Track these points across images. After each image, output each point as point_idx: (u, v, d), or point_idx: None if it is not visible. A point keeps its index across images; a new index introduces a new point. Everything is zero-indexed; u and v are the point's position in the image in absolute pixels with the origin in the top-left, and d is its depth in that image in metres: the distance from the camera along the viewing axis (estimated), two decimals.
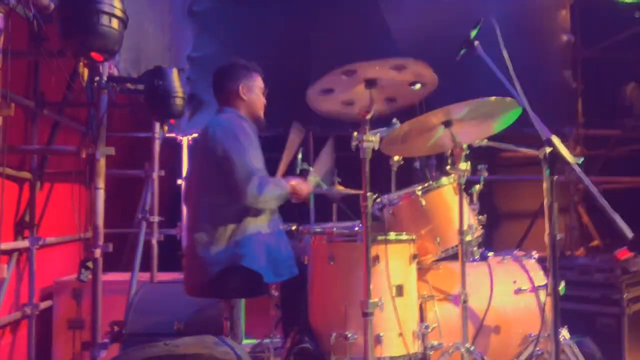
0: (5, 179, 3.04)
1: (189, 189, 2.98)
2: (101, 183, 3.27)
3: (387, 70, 2.36)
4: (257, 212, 2.78)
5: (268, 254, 2.76)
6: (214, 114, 3.00)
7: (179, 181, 5.47)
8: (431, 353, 2.70)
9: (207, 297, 2.95)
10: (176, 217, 5.37)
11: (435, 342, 2.73)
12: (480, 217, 3.04)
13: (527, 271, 3.04)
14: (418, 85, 2.48)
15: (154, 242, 4.55)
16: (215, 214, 2.76)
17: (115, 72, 3.62)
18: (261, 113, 3.04)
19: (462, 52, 2.40)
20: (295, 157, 3.02)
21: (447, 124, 2.72)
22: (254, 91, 3.00)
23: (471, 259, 3.04)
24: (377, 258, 2.55)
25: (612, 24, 5.52)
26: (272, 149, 2.88)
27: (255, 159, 2.74)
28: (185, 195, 3.01)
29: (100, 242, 3.24)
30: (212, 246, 2.72)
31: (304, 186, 2.90)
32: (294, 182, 2.85)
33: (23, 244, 3.82)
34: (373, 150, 2.36)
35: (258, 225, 2.79)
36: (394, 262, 2.59)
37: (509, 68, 2.15)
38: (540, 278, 2.99)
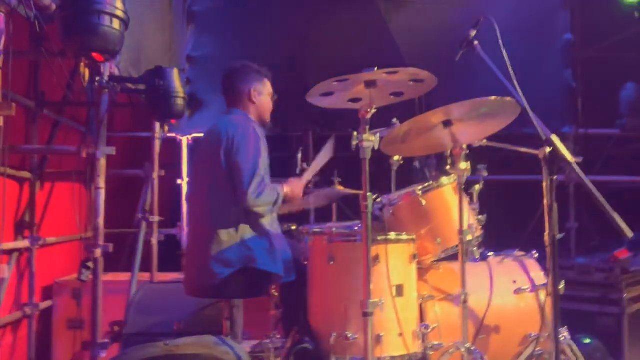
0: (5, 179, 3.04)
1: (196, 189, 2.97)
2: (102, 183, 3.28)
3: (382, 75, 2.37)
4: (261, 215, 2.79)
5: (278, 254, 2.80)
6: (221, 114, 3.00)
7: (179, 181, 5.48)
8: (431, 353, 2.70)
9: (212, 298, 2.96)
10: (176, 217, 5.37)
11: (435, 342, 2.72)
12: (480, 217, 3.04)
13: (527, 271, 3.04)
14: None
15: (154, 242, 4.54)
16: (226, 215, 2.75)
17: (116, 72, 3.62)
18: (268, 117, 3.08)
19: (462, 52, 2.40)
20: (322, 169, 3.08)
21: (447, 123, 2.72)
22: (264, 95, 3.02)
23: (471, 259, 3.04)
24: (377, 258, 2.55)
25: (612, 24, 5.52)
26: (271, 149, 2.89)
27: (261, 165, 2.75)
28: (191, 195, 3.01)
29: (101, 242, 3.24)
30: (224, 248, 2.72)
31: (297, 184, 2.95)
32: (287, 186, 2.89)
33: (23, 243, 3.82)
34: (373, 150, 2.36)
35: (266, 226, 2.81)
36: (394, 262, 2.59)
37: (509, 68, 2.15)
38: (540, 278, 2.99)
